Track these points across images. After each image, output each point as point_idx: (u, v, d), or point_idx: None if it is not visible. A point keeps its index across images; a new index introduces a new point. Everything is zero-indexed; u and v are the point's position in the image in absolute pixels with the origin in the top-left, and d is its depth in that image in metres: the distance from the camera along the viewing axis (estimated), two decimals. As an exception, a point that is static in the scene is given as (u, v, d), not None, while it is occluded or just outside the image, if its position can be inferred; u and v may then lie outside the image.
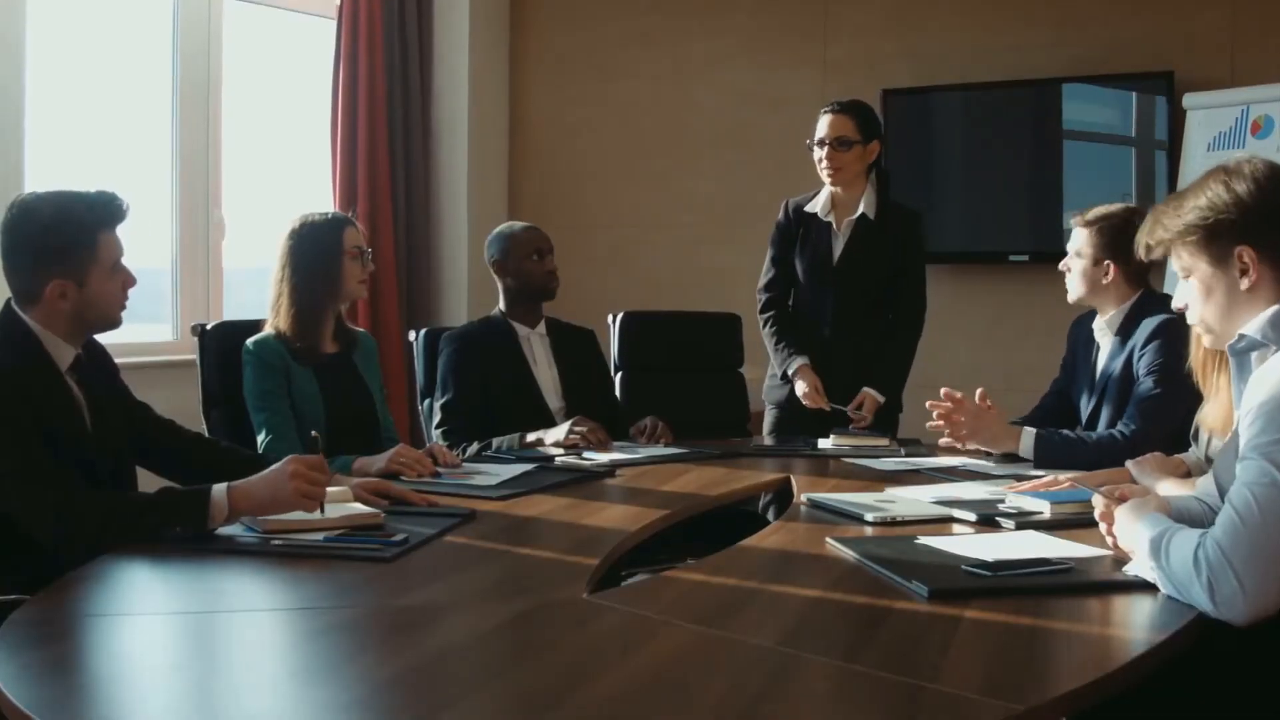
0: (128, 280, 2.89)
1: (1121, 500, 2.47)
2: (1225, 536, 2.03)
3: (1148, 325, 3.63)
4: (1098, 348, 3.83)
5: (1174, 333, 3.58)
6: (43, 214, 2.77)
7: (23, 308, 2.78)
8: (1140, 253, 2.54)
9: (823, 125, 4.43)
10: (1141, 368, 3.59)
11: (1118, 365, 3.68)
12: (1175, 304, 2.50)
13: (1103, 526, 2.44)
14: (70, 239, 2.77)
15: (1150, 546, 2.16)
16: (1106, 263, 3.71)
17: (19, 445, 2.60)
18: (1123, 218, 3.78)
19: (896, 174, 4.90)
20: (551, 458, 3.71)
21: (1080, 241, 3.77)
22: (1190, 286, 2.41)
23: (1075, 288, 3.79)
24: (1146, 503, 2.41)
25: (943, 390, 3.70)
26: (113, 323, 2.89)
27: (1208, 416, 2.73)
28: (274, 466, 2.67)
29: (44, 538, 2.58)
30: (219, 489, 2.61)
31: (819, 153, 4.43)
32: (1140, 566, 2.23)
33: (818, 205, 4.52)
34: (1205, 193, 2.34)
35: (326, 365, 3.72)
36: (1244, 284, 2.30)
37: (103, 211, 2.83)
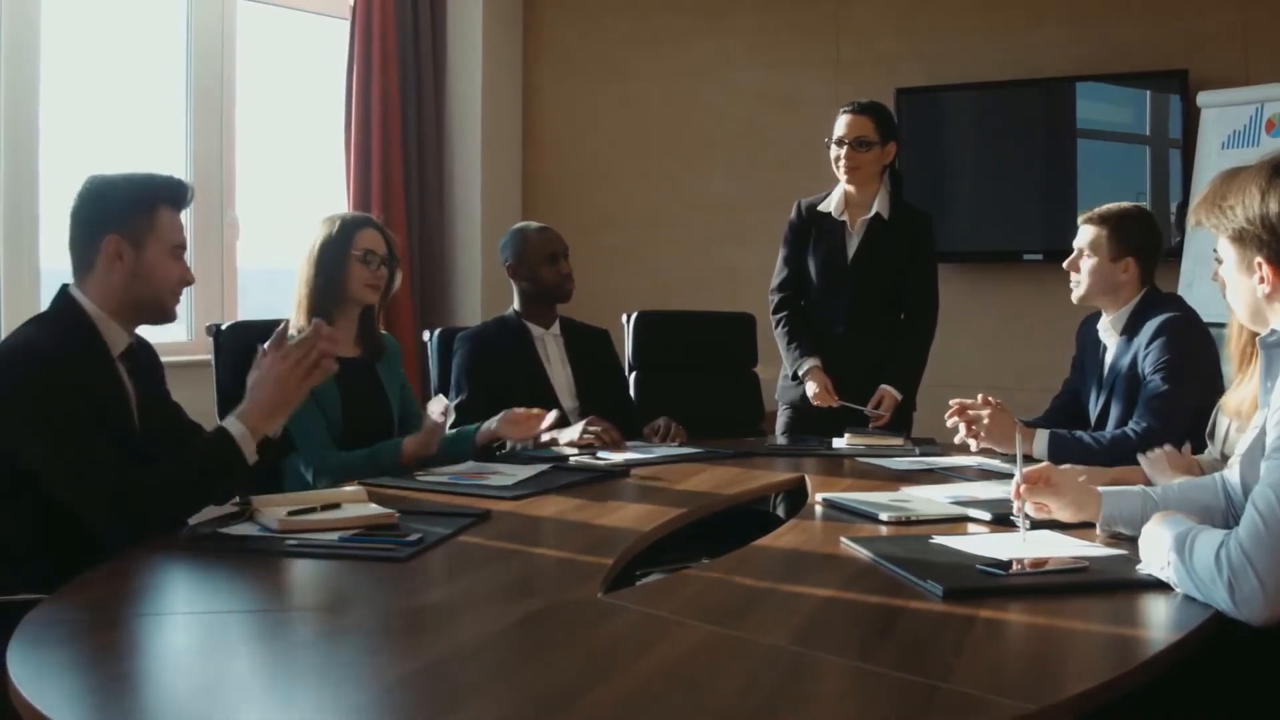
0: (186, 273, 2.89)
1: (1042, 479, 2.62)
2: (1247, 536, 2.03)
3: (1152, 323, 3.62)
4: (1104, 348, 3.82)
5: (1178, 330, 3.58)
6: (110, 180, 2.85)
7: (80, 280, 2.80)
8: (1190, 221, 2.55)
9: (842, 125, 4.44)
10: (1148, 366, 3.57)
11: (1124, 364, 3.67)
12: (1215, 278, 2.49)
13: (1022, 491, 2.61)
14: (131, 202, 2.81)
15: (1175, 543, 2.16)
16: (1127, 259, 3.70)
17: (76, 435, 2.61)
18: (1137, 215, 3.78)
19: (910, 173, 4.90)
20: (566, 458, 3.72)
21: (1093, 238, 3.75)
22: (1224, 271, 2.43)
23: (1086, 286, 3.77)
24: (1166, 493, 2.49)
25: (952, 402, 3.66)
26: (164, 308, 2.88)
27: (1230, 402, 2.72)
28: (258, 375, 2.79)
29: (103, 526, 2.61)
30: (237, 428, 2.73)
31: (837, 151, 4.43)
32: (1152, 565, 2.23)
33: (831, 204, 4.53)
34: (1244, 195, 2.33)
35: (346, 368, 3.72)
36: (1261, 290, 2.30)
37: (166, 188, 2.87)
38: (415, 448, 3.64)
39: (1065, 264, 3.83)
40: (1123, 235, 3.72)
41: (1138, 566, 2.27)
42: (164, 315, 2.90)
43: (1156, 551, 2.22)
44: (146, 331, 2.96)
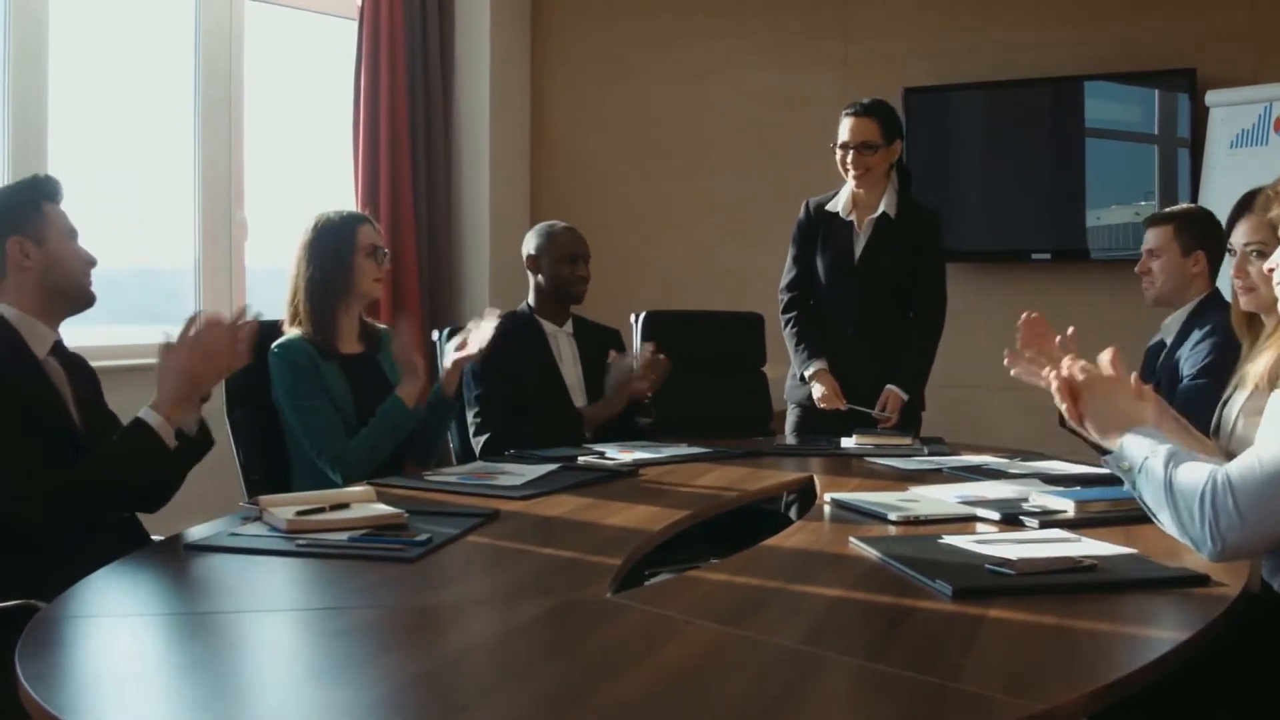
0: (88, 256, 2.97)
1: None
2: (1238, 470, 2.05)
3: (1204, 324, 3.66)
4: (1164, 346, 3.86)
5: (1228, 332, 3.59)
6: None
7: None
8: (1274, 213, 2.55)
9: (845, 129, 4.44)
10: (1188, 363, 3.60)
11: (1171, 362, 3.72)
12: (1268, 265, 2.45)
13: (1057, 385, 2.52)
14: (16, 206, 2.91)
15: (1167, 454, 2.17)
16: (1197, 253, 3.77)
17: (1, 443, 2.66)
18: (1200, 212, 3.86)
19: (918, 173, 4.90)
20: (574, 457, 3.72)
21: (1162, 239, 3.83)
22: None
23: (1159, 284, 3.85)
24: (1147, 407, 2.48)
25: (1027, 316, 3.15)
26: (81, 289, 2.96)
27: (1249, 372, 2.70)
28: (165, 366, 2.86)
29: (35, 530, 2.66)
30: (153, 417, 2.81)
31: (840, 155, 4.43)
32: (1115, 466, 2.26)
33: (839, 204, 4.53)
34: None
35: (352, 364, 3.73)
36: None
37: (43, 185, 2.97)
38: (408, 388, 3.70)
39: (1136, 269, 3.93)
40: (1190, 230, 3.80)
41: (1107, 458, 2.35)
42: (83, 297, 2.98)
43: (1134, 448, 2.24)
44: (155, 332, 2.97)
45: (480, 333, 3.79)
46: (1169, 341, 3.86)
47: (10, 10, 4.94)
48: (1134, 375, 2.61)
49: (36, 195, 2.94)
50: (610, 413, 4.21)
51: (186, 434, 2.92)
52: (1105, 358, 2.56)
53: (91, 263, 2.98)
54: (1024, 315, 3.14)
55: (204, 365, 2.89)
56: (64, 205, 2.98)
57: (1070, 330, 2.96)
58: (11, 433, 2.68)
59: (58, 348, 2.94)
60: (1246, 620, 2.07)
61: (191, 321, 2.92)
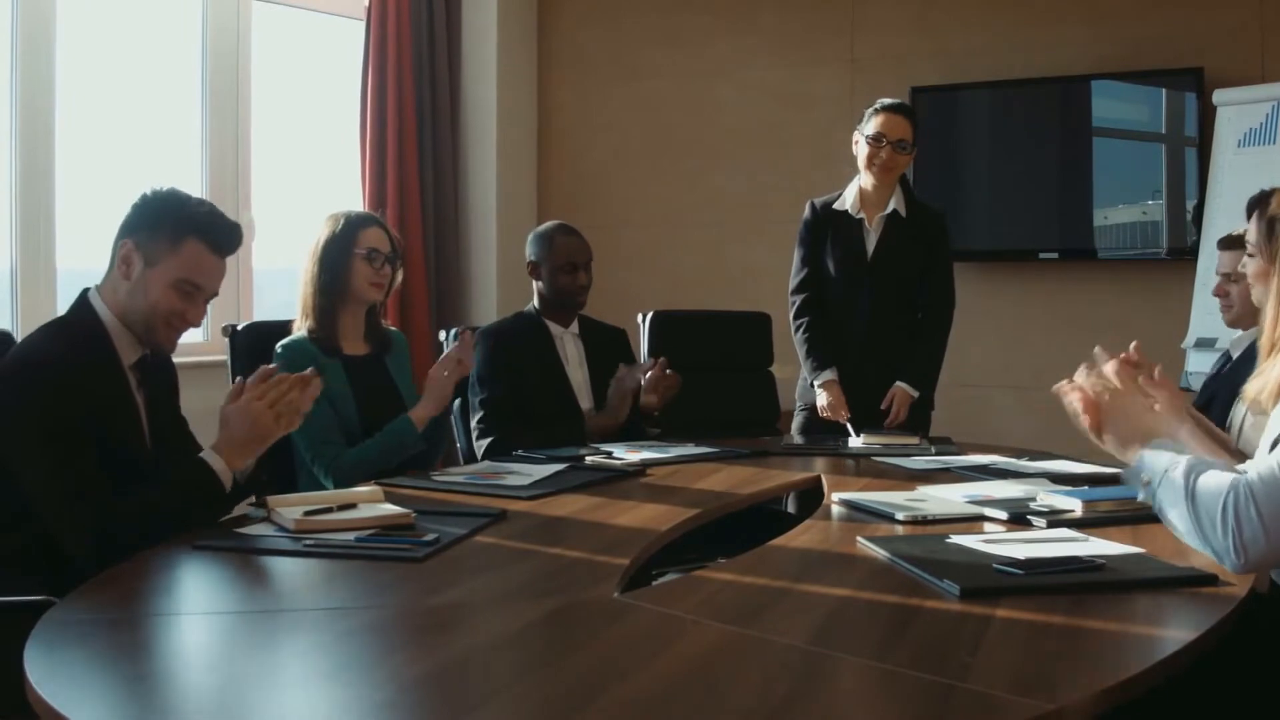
0: (188, 312, 2.81)
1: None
2: (1260, 480, 2.03)
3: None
4: (1229, 359, 3.87)
5: None
6: (171, 194, 2.82)
7: (101, 283, 2.79)
8: None
9: (884, 123, 4.41)
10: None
11: (1224, 377, 3.73)
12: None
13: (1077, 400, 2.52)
14: (166, 218, 2.78)
15: (1187, 465, 2.16)
16: None
17: (69, 462, 2.58)
18: None
19: (925, 172, 4.89)
20: (581, 457, 3.72)
21: (1234, 264, 3.82)
22: None
23: (1237, 309, 3.83)
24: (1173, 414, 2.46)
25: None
26: (150, 330, 2.78)
27: (1250, 389, 2.70)
28: (233, 409, 2.77)
29: (80, 556, 2.55)
30: (217, 462, 2.72)
31: (873, 149, 4.40)
32: (1136, 479, 2.26)
33: (847, 203, 4.52)
34: None
35: (356, 364, 3.73)
36: None
37: (207, 221, 2.81)
38: (425, 410, 3.69)
39: (1213, 292, 3.91)
40: None
41: (1124, 474, 2.35)
42: (151, 339, 2.82)
43: (1154, 460, 2.24)
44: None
45: (464, 352, 3.80)
46: (1234, 357, 3.85)
47: (18, 10, 4.95)
48: (1157, 367, 2.60)
49: (191, 227, 2.78)
50: (613, 421, 4.20)
51: (239, 477, 2.84)
52: (1109, 368, 2.55)
53: (184, 319, 2.81)
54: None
55: (270, 418, 2.78)
56: (168, 242, 2.77)
57: (1134, 344, 2.92)
58: (83, 447, 2.59)
59: (142, 361, 2.83)
60: (1254, 620, 2.07)
61: (265, 371, 2.84)
